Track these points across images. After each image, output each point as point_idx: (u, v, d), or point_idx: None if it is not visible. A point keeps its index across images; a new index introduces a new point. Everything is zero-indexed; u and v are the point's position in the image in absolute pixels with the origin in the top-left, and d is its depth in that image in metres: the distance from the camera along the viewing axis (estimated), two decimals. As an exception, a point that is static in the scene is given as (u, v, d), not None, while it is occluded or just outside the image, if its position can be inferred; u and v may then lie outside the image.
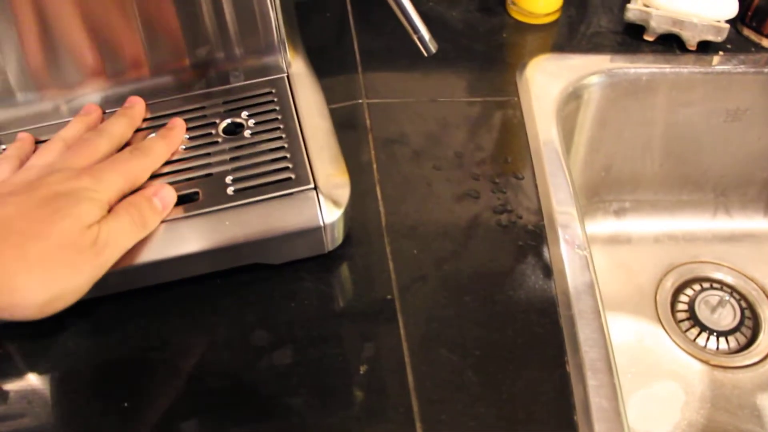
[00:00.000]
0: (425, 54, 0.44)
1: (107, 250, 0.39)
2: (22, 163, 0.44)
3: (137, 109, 0.49)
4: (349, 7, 0.69)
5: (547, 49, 0.64)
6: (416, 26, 0.44)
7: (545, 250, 0.49)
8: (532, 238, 0.50)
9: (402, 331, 0.44)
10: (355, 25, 0.66)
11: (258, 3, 0.49)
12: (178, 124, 0.48)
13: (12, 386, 0.42)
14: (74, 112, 0.50)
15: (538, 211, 0.51)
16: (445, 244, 0.49)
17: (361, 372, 0.42)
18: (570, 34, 0.66)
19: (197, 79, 0.52)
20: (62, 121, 0.50)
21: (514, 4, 0.68)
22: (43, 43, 0.48)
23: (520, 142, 0.56)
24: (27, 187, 0.39)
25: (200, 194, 0.44)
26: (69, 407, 0.41)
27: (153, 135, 0.48)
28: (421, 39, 0.43)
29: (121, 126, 0.47)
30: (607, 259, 0.72)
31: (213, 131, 0.48)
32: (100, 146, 0.44)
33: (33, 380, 0.42)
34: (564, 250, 0.49)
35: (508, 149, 0.56)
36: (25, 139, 0.48)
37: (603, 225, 0.74)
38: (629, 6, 0.64)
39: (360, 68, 0.62)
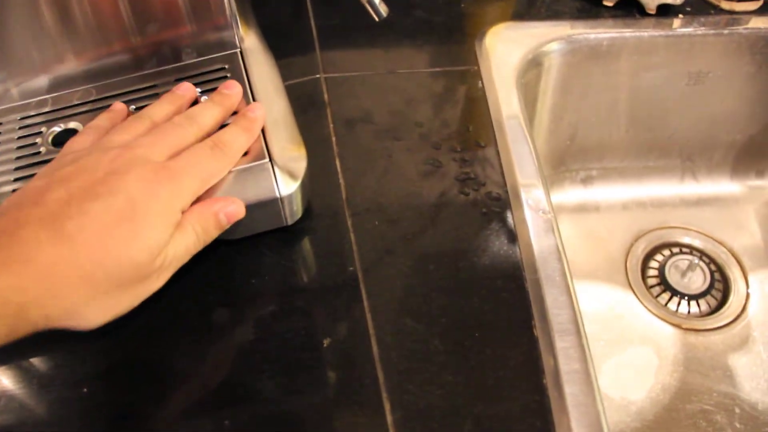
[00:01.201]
0: (376, 18, 0.43)
1: (168, 271, 0.38)
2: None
3: (234, 99, 0.45)
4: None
5: (507, 18, 0.64)
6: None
7: (509, 216, 0.48)
8: (496, 205, 0.49)
9: (366, 303, 0.43)
10: (311, 1, 0.65)
11: (207, -23, 0.48)
12: (259, 115, 0.44)
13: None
14: (24, 95, 0.49)
15: (502, 179, 0.51)
16: (408, 214, 0.48)
17: (326, 345, 0.42)
18: (529, 3, 0.66)
19: (148, 58, 0.50)
20: (12, 104, 0.49)
21: (472, -25, 0.67)
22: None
23: (482, 111, 0.55)
24: (100, 184, 0.36)
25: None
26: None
27: (230, 124, 0.44)
28: (371, 3, 0.42)
29: (213, 116, 0.43)
30: (576, 228, 0.72)
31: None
32: (188, 136, 0.41)
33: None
34: (528, 215, 0.49)
35: (470, 118, 0.55)
36: (117, 111, 0.45)
37: (570, 194, 0.74)
38: (587, -29, 0.63)
39: (317, 44, 0.61)
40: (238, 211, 0.41)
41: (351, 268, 0.45)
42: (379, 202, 0.49)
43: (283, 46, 0.56)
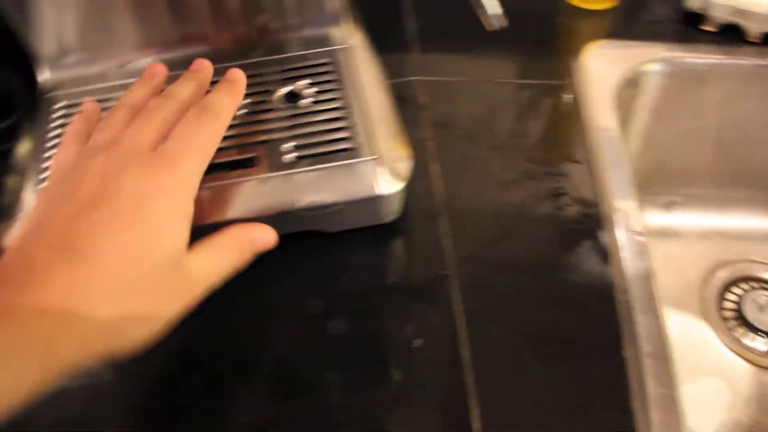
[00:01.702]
0: (494, 27, 0.43)
1: (202, 283, 0.35)
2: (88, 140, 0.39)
3: (206, 73, 0.43)
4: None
5: (604, 36, 0.63)
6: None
7: (601, 234, 0.48)
8: (589, 223, 0.49)
9: (457, 308, 0.43)
10: (411, 1, 0.66)
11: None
12: (239, 76, 0.42)
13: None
14: (130, 74, 0.50)
15: (595, 196, 0.50)
16: (500, 223, 0.48)
17: (415, 346, 0.42)
18: (627, 22, 0.65)
19: (256, 47, 0.51)
20: (120, 82, 0.50)
21: (569, -11, 0.67)
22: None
23: (576, 127, 0.55)
24: (99, 191, 0.34)
25: (258, 159, 0.44)
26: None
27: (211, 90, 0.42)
28: (490, 13, 0.42)
29: (189, 90, 0.40)
30: (654, 252, 0.71)
31: (271, 98, 0.48)
32: (169, 115, 0.38)
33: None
34: (620, 235, 0.48)
35: (564, 133, 0.55)
36: (90, 112, 0.42)
37: (652, 218, 0.73)
38: (690, -6, 0.63)
39: (415, 45, 0.61)
40: (272, 241, 0.39)
41: (444, 272, 0.45)
42: (473, 208, 0.49)
43: (381, 44, 0.56)
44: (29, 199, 0.44)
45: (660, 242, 0.72)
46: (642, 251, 0.47)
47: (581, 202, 0.50)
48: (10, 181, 0.47)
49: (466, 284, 0.44)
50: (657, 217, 0.73)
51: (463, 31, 0.61)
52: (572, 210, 0.49)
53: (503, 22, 0.43)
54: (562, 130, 0.55)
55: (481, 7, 0.44)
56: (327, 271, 0.45)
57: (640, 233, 0.48)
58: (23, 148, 0.49)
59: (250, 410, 0.40)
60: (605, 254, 0.47)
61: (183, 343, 0.42)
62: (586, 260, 0.47)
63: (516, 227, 0.48)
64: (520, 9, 0.64)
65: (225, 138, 0.44)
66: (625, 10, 0.66)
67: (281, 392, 0.40)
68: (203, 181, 0.37)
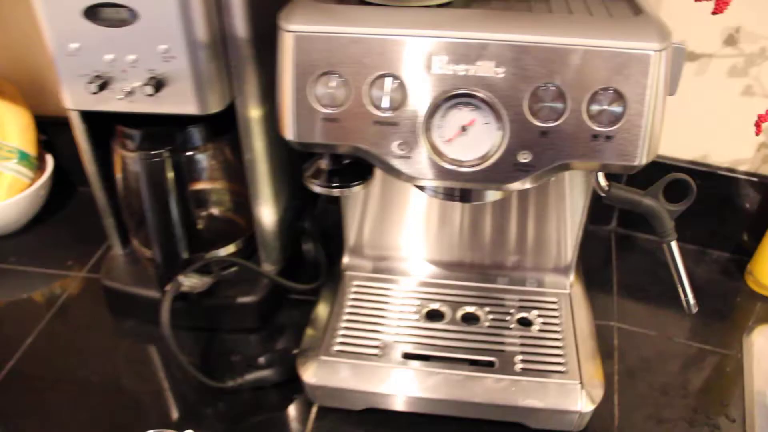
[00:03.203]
0: (687, 311, 0.60)
1: None
2: None
3: None
4: (613, 244, 0.87)
5: (775, 321, 0.78)
6: (686, 288, 0.60)
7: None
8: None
9: None
10: (617, 257, 0.85)
11: (557, 232, 0.69)
12: None
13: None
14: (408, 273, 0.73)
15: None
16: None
17: None
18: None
19: (501, 276, 0.72)
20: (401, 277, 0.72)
21: (750, 274, 0.82)
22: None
23: (737, 392, 0.69)
24: None
25: (496, 363, 0.63)
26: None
27: None
28: (687, 301, 0.59)
29: None
30: None
31: (509, 318, 0.67)
32: None
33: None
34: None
35: (726, 395, 0.69)
36: None
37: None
38: None
39: (616, 294, 0.79)
40: None
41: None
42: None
43: (587, 286, 0.74)
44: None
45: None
46: None
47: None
48: (308, 332, 0.68)
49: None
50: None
51: (661, 292, 0.78)
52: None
53: (694, 310, 0.60)
54: (726, 393, 0.69)
55: (684, 289, 0.60)
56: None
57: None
58: (322, 308, 0.71)
59: None
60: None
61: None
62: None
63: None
64: (707, 283, 0.81)
65: (474, 341, 0.64)
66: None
67: None
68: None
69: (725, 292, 0.82)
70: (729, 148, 0.81)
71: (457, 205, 0.69)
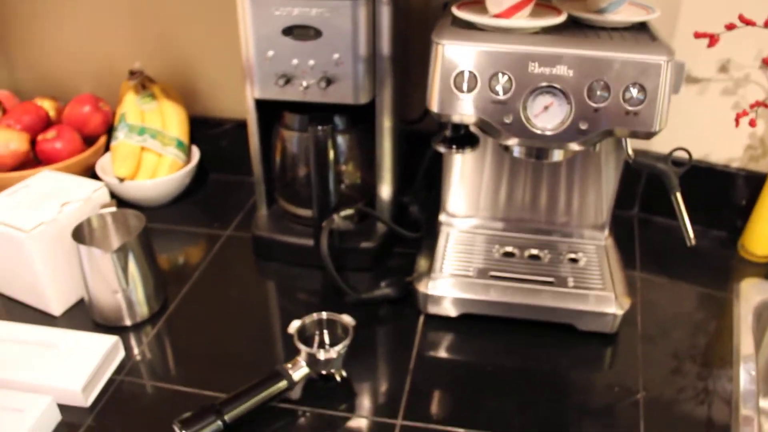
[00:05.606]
0: (688, 244, 0.86)
1: None
2: None
3: None
4: (636, 225, 1.15)
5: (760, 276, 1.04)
6: (687, 227, 0.86)
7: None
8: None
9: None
10: (639, 236, 1.12)
11: (596, 197, 0.97)
12: None
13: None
14: (486, 227, 1.00)
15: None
16: (683, 333, 0.89)
17: None
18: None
19: (555, 231, 1.00)
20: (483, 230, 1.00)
21: (742, 246, 1.08)
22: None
23: (729, 315, 0.95)
24: None
25: (555, 281, 0.90)
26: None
27: None
28: (687, 234, 0.86)
29: None
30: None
31: (561, 257, 0.95)
32: None
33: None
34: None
35: (721, 316, 0.95)
36: None
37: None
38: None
39: (638, 261, 1.06)
40: None
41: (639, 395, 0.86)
42: (665, 341, 0.90)
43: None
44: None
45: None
46: None
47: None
48: (420, 262, 0.96)
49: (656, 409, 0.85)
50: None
51: (670, 261, 1.05)
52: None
53: (693, 242, 0.86)
54: (721, 314, 0.95)
55: (685, 226, 0.86)
56: (560, 364, 0.88)
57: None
58: (426, 252, 0.99)
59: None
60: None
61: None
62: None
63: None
64: (710, 251, 1.08)
65: (538, 272, 0.91)
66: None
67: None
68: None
69: (724, 258, 1.08)
70: (724, 150, 1.09)
71: (522, 178, 0.97)
